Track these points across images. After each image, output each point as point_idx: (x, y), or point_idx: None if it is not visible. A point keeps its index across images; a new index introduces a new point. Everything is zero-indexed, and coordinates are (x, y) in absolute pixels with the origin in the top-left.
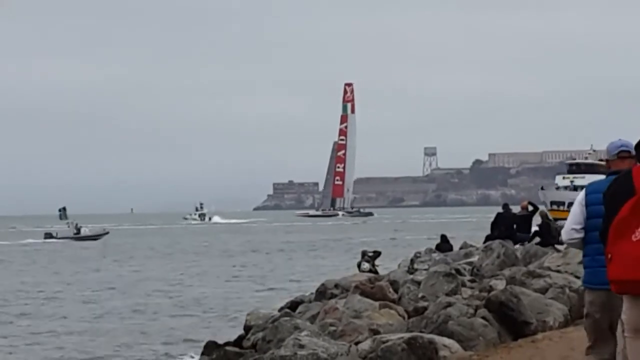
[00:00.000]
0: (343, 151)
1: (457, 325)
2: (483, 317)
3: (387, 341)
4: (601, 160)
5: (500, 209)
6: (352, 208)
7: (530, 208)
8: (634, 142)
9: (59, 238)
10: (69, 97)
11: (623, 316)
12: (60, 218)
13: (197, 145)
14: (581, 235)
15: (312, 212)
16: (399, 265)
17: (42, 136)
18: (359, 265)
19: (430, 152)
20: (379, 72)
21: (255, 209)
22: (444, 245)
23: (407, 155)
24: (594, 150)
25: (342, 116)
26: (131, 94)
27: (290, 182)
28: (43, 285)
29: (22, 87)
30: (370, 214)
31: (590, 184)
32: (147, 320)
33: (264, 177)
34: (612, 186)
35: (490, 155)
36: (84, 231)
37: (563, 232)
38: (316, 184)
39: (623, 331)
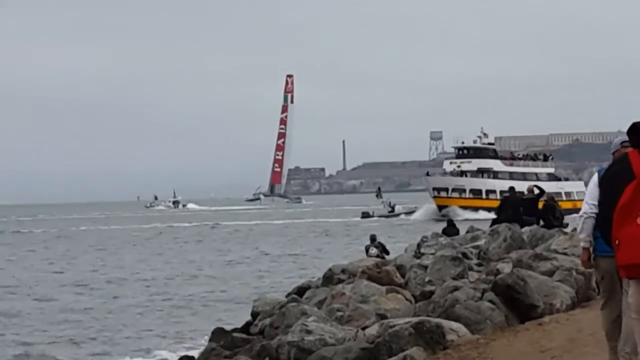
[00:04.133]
0: (283, 139)
1: (464, 309)
2: (490, 301)
3: (394, 326)
4: (490, 143)
5: (506, 193)
6: (284, 194)
7: (537, 191)
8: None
9: (376, 216)
10: (79, 86)
11: (630, 299)
12: (377, 197)
13: (206, 132)
14: (597, 210)
15: (252, 196)
16: (405, 250)
17: (48, 124)
18: (367, 250)
19: (436, 137)
20: (385, 57)
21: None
22: (451, 229)
23: (414, 140)
24: (484, 134)
25: (283, 106)
26: (139, 82)
27: (297, 168)
28: None
29: (28, 75)
30: (299, 200)
31: (602, 169)
32: (160, 306)
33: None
34: (609, 171)
35: (496, 138)
36: (398, 209)
37: (582, 207)
38: (322, 170)
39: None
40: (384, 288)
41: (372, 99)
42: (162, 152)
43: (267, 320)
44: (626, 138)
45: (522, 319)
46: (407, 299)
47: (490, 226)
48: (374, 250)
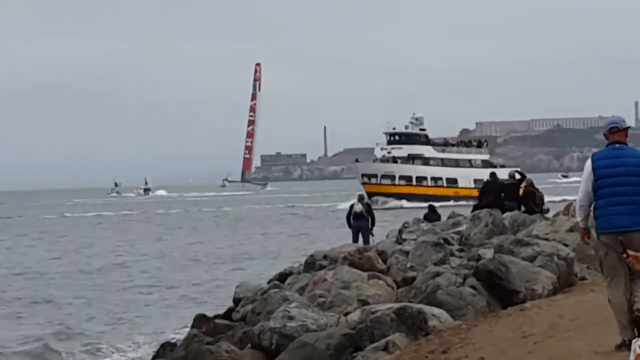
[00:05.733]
0: (252, 127)
1: (445, 294)
2: (472, 286)
3: (376, 312)
4: (422, 129)
5: (487, 178)
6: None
7: (518, 177)
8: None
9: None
10: (67, 73)
11: None
12: None
13: (189, 119)
14: (590, 196)
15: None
16: (387, 236)
17: (24, 112)
18: (350, 208)
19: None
20: (368, 43)
21: (245, 181)
22: (432, 215)
23: (395, 125)
24: (416, 119)
25: (252, 94)
26: (123, 70)
27: (278, 154)
28: None
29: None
30: (265, 185)
31: (595, 153)
32: (140, 293)
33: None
34: None
35: (477, 124)
36: None
37: (578, 194)
38: (304, 156)
39: None
40: (365, 274)
41: (353, 85)
42: (147, 139)
43: (249, 307)
44: (616, 124)
45: (503, 305)
46: (388, 285)
47: (472, 212)
48: (359, 206)
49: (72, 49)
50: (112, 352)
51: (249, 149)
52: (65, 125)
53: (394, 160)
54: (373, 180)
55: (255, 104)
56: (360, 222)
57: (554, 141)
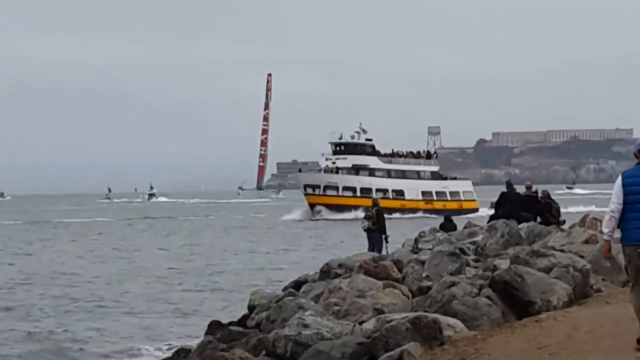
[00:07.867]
0: (265, 135)
1: (461, 304)
2: (487, 297)
3: (392, 321)
4: (368, 139)
5: (504, 189)
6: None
7: (535, 188)
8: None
9: None
10: (76, 75)
11: None
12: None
13: (204, 125)
14: (621, 207)
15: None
16: (402, 245)
17: (41, 114)
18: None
19: (434, 132)
20: (384, 51)
21: (258, 189)
22: (448, 224)
23: (411, 135)
24: (363, 130)
25: (265, 103)
26: (139, 73)
27: (294, 162)
28: None
29: (13, 65)
30: (279, 192)
31: (626, 171)
32: (156, 298)
33: (270, 156)
34: None
35: (494, 134)
36: None
37: (610, 205)
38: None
39: None
40: (381, 283)
41: (369, 93)
42: (161, 143)
43: (264, 314)
44: None
45: (519, 316)
46: (404, 294)
47: (488, 222)
48: (365, 224)
49: (79, 52)
50: (126, 358)
51: (263, 157)
52: (67, 129)
53: (336, 170)
54: (317, 191)
55: (268, 113)
56: (371, 233)
57: (571, 152)
